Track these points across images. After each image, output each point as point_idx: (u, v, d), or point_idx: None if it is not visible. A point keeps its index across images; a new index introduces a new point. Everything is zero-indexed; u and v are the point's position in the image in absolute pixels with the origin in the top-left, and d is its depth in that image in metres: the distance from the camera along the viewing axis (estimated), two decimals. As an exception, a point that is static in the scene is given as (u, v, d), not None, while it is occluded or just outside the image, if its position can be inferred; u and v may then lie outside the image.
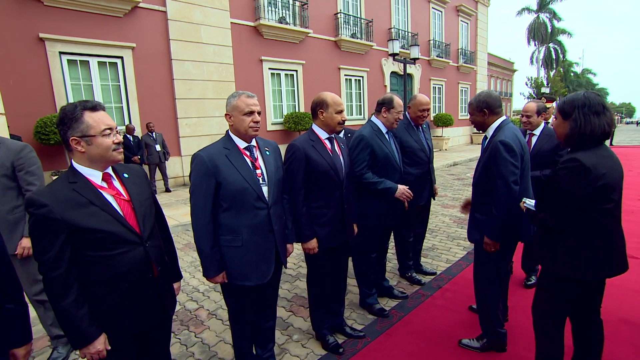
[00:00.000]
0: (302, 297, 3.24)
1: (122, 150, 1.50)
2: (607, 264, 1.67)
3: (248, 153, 1.87)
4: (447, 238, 4.76)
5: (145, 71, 8.31)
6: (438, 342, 2.48)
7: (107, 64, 7.91)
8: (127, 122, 8.19)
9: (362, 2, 13.48)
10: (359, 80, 13.91)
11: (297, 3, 11.24)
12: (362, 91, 14.05)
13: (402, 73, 14.97)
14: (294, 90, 11.66)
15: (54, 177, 4.71)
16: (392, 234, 3.30)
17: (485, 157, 2.17)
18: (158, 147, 8.18)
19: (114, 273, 1.41)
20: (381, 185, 2.63)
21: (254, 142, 1.92)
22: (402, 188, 2.67)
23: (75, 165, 1.43)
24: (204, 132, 9.38)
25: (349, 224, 2.37)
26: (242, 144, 1.87)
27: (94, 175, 1.44)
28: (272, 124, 10.98)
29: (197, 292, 3.45)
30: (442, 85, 18.25)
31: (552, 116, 4.02)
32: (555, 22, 35.40)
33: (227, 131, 1.90)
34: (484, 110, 2.23)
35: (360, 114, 14.07)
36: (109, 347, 1.44)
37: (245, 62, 10.13)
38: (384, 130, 2.76)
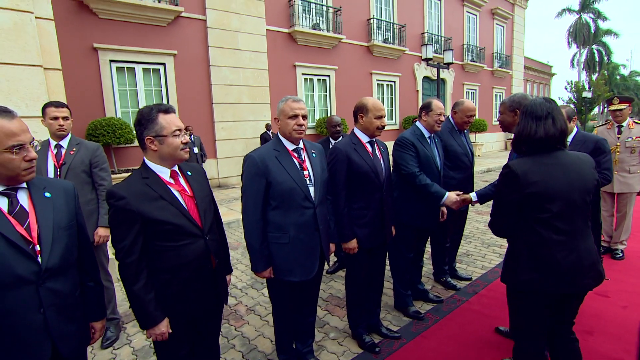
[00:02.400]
0: (337, 297, 3.32)
1: (188, 149, 1.64)
2: (544, 276, 1.58)
3: (296, 155, 1.98)
4: (481, 244, 4.68)
5: (185, 77, 8.74)
6: (475, 346, 2.47)
7: (151, 70, 8.39)
8: (168, 125, 8.62)
9: (395, 7, 13.48)
10: (391, 85, 13.88)
11: (331, 9, 11.42)
12: (394, 96, 14.00)
13: (434, 78, 14.81)
14: (327, 95, 11.81)
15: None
16: (428, 238, 3.31)
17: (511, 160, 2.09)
18: (196, 150, 8.54)
19: (178, 262, 1.55)
20: (432, 188, 2.61)
21: (301, 145, 2.03)
22: (452, 196, 2.57)
23: (148, 162, 1.59)
24: (239, 135, 9.70)
25: (387, 225, 2.43)
26: (290, 146, 1.98)
27: (163, 172, 1.59)
28: (303, 128, 11.15)
29: (235, 289, 3.60)
30: (475, 90, 17.82)
31: (628, 119, 3.85)
32: (599, 22, 33.63)
33: (277, 134, 2.03)
34: (515, 110, 2.21)
35: (392, 119, 14.00)
36: (170, 330, 1.58)
37: (279, 67, 10.39)
38: (426, 134, 2.80)
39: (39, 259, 1.20)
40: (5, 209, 1.18)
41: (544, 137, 1.58)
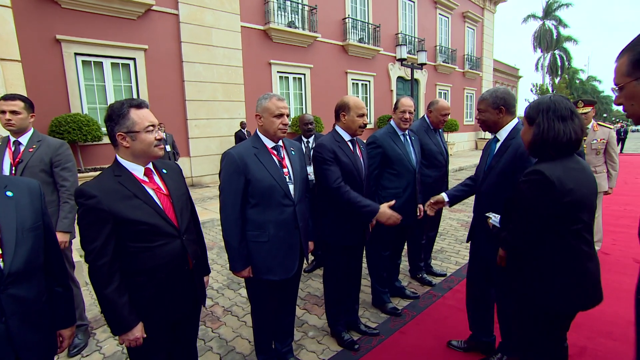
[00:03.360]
0: (315, 295, 3.31)
1: (162, 146, 1.58)
2: (580, 294, 1.45)
3: (275, 152, 1.95)
4: (455, 241, 4.81)
5: (156, 73, 8.45)
6: (449, 339, 2.54)
7: (120, 65, 8.05)
8: (138, 123, 8.30)
9: (370, 8, 13.62)
10: (366, 84, 14.02)
11: (306, 8, 11.38)
12: (368, 95, 14.15)
13: (408, 78, 15.12)
14: (302, 93, 11.78)
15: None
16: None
17: (504, 163, 1.94)
18: (168, 148, 8.26)
19: (153, 264, 1.49)
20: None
21: (280, 142, 2.01)
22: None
23: (120, 159, 1.51)
24: (213, 133, 9.49)
25: (365, 224, 2.44)
26: (269, 144, 1.95)
27: (137, 170, 1.52)
28: (279, 126, 11.07)
29: (211, 290, 3.52)
30: (447, 90, 18.33)
31: (592, 121, 3.97)
32: (561, 29, 35.50)
33: (256, 131, 1.99)
34: (500, 107, 2.00)
35: (367, 118, 14.14)
36: (145, 335, 1.51)
37: (254, 65, 10.25)
38: (399, 132, 2.84)
39: (0, 264, 1.12)
40: (-40, 210, 1.09)
41: (573, 139, 1.44)
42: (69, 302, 1.47)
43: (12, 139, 2.38)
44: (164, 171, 1.65)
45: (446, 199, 2.47)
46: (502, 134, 2.04)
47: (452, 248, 4.54)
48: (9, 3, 3.48)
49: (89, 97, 7.69)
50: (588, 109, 3.88)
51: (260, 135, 1.96)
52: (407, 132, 2.87)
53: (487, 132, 2.26)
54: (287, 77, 11.32)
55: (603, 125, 4.00)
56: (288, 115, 1.92)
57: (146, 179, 1.54)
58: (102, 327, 2.84)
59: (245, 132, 9.44)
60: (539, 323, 1.53)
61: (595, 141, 3.95)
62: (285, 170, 1.95)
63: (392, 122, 2.89)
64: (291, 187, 1.95)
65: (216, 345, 2.59)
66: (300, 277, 2.26)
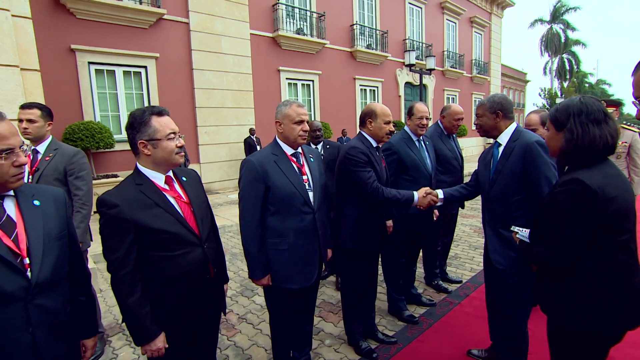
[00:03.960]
0: (330, 303, 3.28)
1: (183, 153, 1.58)
2: (630, 311, 1.31)
3: (295, 159, 1.95)
4: (469, 247, 4.75)
5: (167, 80, 8.55)
6: (469, 348, 2.48)
7: (132, 73, 8.17)
8: (149, 130, 8.39)
9: (378, 14, 13.67)
10: (374, 90, 14.03)
11: (315, 15, 11.46)
12: (376, 101, 14.14)
13: (416, 83, 15.11)
14: (311, 100, 11.82)
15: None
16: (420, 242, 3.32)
17: (512, 164, 1.91)
18: (178, 154, 8.36)
19: (175, 273, 1.48)
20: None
21: (299, 149, 2.00)
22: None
23: (140, 167, 1.51)
24: (223, 140, 9.55)
25: (382, 230, 2.42)
26: (289, 151, 1.94)
27: (158, 178, 1.51)
28: (288, 132, 11.11)
29: (226, 297, 3.50)
30: (455, 95, 18.26)
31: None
32: (569, 32, 35.24)
33: (275, 138, 1.99)
34: (497, 112, 2.02)
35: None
36: (167, 345, 1.50)
37: (263, 72, 10.33)
38: (414, 137, 2.82)
39: (28, 273, 1.12)
40: (-10, 219, 1.09)
41: (610, 143, 1.33)
42: (92, 312, 1.46)
43: (31, 147, 2.41)
44: (184, 179, 1.64)
45: (441, 195, 2.38)
46: (504, 138, 2.03)
47: (466, 254, 4.47)
48: (29, 14, 3.56)
49: (102, 105, 7.81)
50: (611, 110, 3.74)
51: (279, 142, 1.95)
52: (421, 137, 2.85)
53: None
54: (296, 84, 11.37)
55: (627, 128, 3.74)
56: (308, 122, 1.91)
57: (167, 187, 1.53)
58: (118, 334, 2.84)
59: (255, 139, 9.49)
60: (581, 349, 1.38)
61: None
62: (304, 177, 1.94)
63: (406, 128, 2.87)
64: (310, 194, 1.93)
65: (232, 353, 2.56)
66: (318, 285, 2.24)
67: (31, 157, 2.41)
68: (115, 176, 7.29)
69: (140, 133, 1.45)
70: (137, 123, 1.45)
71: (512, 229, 1.69)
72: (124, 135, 8.09)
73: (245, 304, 3.34)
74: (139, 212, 1.41)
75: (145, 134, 1.44)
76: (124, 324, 1.47)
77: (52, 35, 6.88)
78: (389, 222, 2.52)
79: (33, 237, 1.16)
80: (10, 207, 1.16)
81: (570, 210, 1.30)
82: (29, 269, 1.12)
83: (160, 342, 1.46)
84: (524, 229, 1.62)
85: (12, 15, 3.20)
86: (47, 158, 2.37)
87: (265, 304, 2.13)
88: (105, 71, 7.78)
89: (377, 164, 2.27)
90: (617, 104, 3.77)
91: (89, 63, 7.45)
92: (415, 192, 2.26)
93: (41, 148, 2.40)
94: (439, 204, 2.38)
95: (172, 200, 1.52)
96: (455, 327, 2.77)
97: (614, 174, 1.33)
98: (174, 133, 1.49)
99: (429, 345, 2.54)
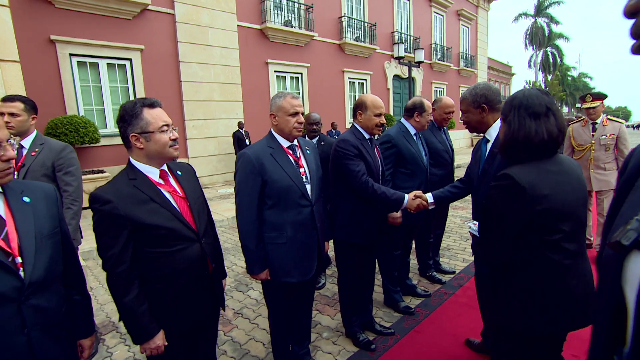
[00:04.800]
0: (326, 296, 3.27)
1: (177, 146, 1.53)
2: (560, 314, 1.28)
3: (291, 152, 1.91)
4: (460, 238, 4.80)
5: (153, 73, 8.34)
6: (466, 337, 2.51)
7: (116, 65, 7.94)
8: (135, 124, 8.19)
9: (366, 6, 13.60)
10: (363, 83, 14.00)
11: (303, 6, 11.32)
12: (365, 94, 14.11)
13: (404, 76, 15.14)
14: (300, 92, 11.72)
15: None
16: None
17: (499, 165, 1.68)
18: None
19: (173, 270, 1.44)
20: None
21: (295, 142, 1.96)
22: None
23: (134, 162, 1.46)
24: (211, 134, 9.41)
25: (379, 222, 2.41)
26: (285, 143, 1.91)
27: (152, 172, 1.46)
28: (277, 126, 11.01)
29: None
30: (443, 88, 18.38)
31: (602, 115, 3.76)
32: (553, 26, 35.79)
33: (270, 130, 1.94)
34: (482, 106, 1.83)
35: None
36: (167, 343, 1.46)
37: (251, 64, 10.18)
38: (412, 131, 2.81)
39: (21, 273, 1.07)
40: (-22, 217, 1.04)
41: (547, 139, 1.27)
42: (88, 310, 1.42)
43: (18, 141, 2.31)
44: (179, 173, 1.60)
45: (431, 199, 2.26)
46: (492, 133, 1.86)
47: (458, 245, 4.52)
48: (6, 2, 3.39)
49: (85, 98, 7.57)
50: (597, 103, 3.73)
51: (275, 134, 1.91)
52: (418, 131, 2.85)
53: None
54: (285, 77, 11.26)
55: (613, 120, 3.79)
56: (303, 114, 1.88)
57: (162, 181, 1.49)
58: (111, 332, 2.78)
59: (244, 132, 9.38)
60: (521, 351, 1.36)
61: (604, 137, 3.76)
62: (301, 170, 1.91)
63: (403, 121, 2.86)
64: (308, 187, 1.91)
65: (230, 348, 2.54)
66: (317, 278, 2.22)
67: (15, 152, 2.31)
68: (102, 172, 7.11)
69: (131, 126, 1.39)
70: (129, 116, 1.40)
71: (467, 222, 1.67)
72: (109, 129, 7.92)
73: (240, 298, 3.31)
74: (134, 207, 1.36)
75: (137, 126, 1.39)
76: (120, 322, 1.42)
77: (29, 25, 6.60)
78: (396, 214, 2.48)
79: (24, 235, 1.11)
80: None
81: (500, 206, 1.29)
82: (21, 269, 1.07)
83: (159, 340, 1.43)
84: (476, 222, 1.58)
85: (-11, 4, 3.05)
86: (33, 153, 2.27)
87: (264, 299, 2.10)
88: (88, 63, 7.54)
89: (370, 156, 2.25)
90: (602, 97, 3.78)
91: (71, 55, 7.20)
92: (406, 195, 2.22)
93: (26, 143, 2.29)
94: (430, 207, 2.29)
95: (168, 195, 1.47)
96: (451, 317, 2.80)
97: (555, 171, 1.28)
98: (167, 125, 1.44)
99: (425, 336, 2.57)
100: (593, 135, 3.85)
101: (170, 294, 1.46)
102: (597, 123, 3.84)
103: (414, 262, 3.77)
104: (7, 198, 1.12)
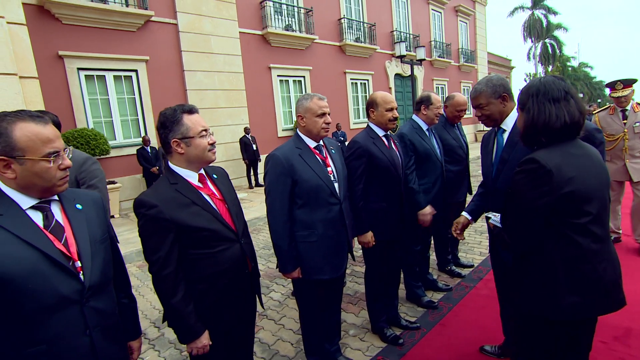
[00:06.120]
0: (348, 294, 3.30)
1: (215, 150, 1.57)
2: (588, 297, 1.27)
3: (318, 152, 1.96)
4: (475, 232, 4.82)
5: (159, 83, 8.43)
6: (492, 329, 2.54)
7: (122, 77, 8.04)
8: (143, 134, 8.29)
9: (364, 7, 13.66)
10: (364, 83, 14.05)
11: (302, 10, 11.40)
12: (367, 94, 14.17)
13: (405, 75, 15.19)
14: (302, 95, 11.77)
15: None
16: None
17: (520, 153, 1.66)
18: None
19: (216, 270, 1.48)
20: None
21: (321, 142, 2.01)
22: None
23: (173, 167, 1.50)
24: (218, 140, 9.37)
25: (404, 218, 2.44)
26: (312, 144, 1.96)
27: (191, 176, 1.51)
28: (282, 130, 11.09)
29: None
30: (444, 85, 18.39)
31: (632, 102, 3.57)
32: (550, 17, 35.70)
33: (297, 131, 1.99)
34: (502, 95, 1.81)
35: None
36: (211, 342, 1.50)
37: (254, 70, 10.26)
38: (424, 127, 2.85)
39: (81, 276, 1.11)
40: (40, 224, 1.08)
41: (569, 123, 1.28)
42: (135, 313, 1.46)
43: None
44: (215, 176, 1.64)
45: (469, 217, 2.18)
46: (508, 123, 1.84)
47: (473, 239, 4.54)
48: (24, 20, 3.47)
49: (94, 111, 7.67)
50: (628, 90, 3.50)
51: (302, 135, 1.96)
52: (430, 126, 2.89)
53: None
54: (287, 80, 11.33)
55: None
56: (329, 114, 1.92)
57: (201, 185, 1.54)
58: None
59: (250, 138, 9.45)
60: (550, 338, 1.35)
61: (638, 124, 3.51)
62: (329, 169, 1.95)
63: (415, 117, 2.89)
64: (336, 185, 1.95)
65: (259, 349, 2.58)
66: (344, 275, 2.26)
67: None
68: (113, 182, 7.19)
69: (172, 132, 1.44)
70: (169, 122, 1.45)
71: (485, 214, 1.62)
72: (118, 141, 8.02)
73: (263, 300, 3.34)
74: (177, 211, 1.41)
75: (178, 132, 1.44)
76: (163, 323, 1.46)
77: (39, 41, 6.68)
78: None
79: (81, 240, 1.15)
80: (56, 211, 1.15)
81: (526, 190, 1.27)
82: (80, 272, 1.12)
83: (205, 339, 1.47)
84: (496, 214, 1.57)
85: (7, 23, 3.13)
86: None
87: (287, 299, 2.14)
88: (95, 76, 7.64)
89: (384, 154, 2.27)
90: (632, 82, 3.53)
91: (78, 69, 7.31)
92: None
93: None
94: (472, 223, 2.20)
95: (207, 198, 1.52)
96: (475, 309, 2.83)
97: (579, 154, 1.29)
98: (205, 130, 1.50)
99: (452, 328, 2.59)
100: (625, 124, 3.61)
101: (214, 294, 1.50)
102: (627, 110, 3.60)
103: (432, 257, 3.79)
104: (64, 205, 1.17)
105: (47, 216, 1.11)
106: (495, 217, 1.56)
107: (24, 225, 1.04)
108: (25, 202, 1.07)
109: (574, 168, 1.24)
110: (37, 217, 1.09)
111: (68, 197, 1.21)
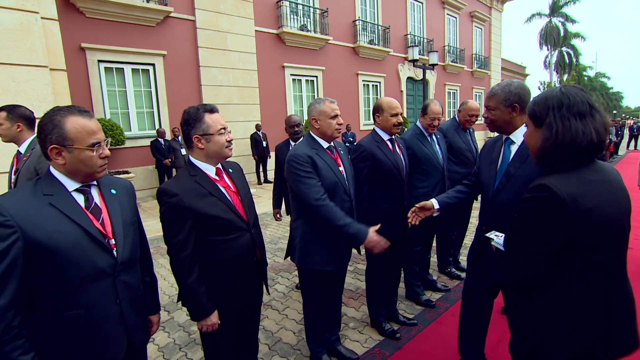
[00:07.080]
0: (349, 289, 3.43)
1: (232, 147, 1.72)
2: (603, 341, 1.12)
3: (330, 152, 2.09)
4: (477, 238, 4.90)
5: (175, 78, 8.65)
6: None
7: (140, 70, 8.27)
8: (157, 127, 8.52)
9: (380, 9, 13.75)
10: (376, 85, 14.14)
11: (318, 11, 11.54)
12: (379, 96, 14.26)
13: (418, 78, 15.21)
14: (315, 95, 11.92)
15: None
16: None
17: (530, 170, 1.59)
18: (184, 151, 8.48)
19: (228, 255, 1.63)
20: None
21: (332, 143, 2.14)
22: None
23: (194, 160, 1.66)
24: (229, 136, 9.66)
25: (407, 220, 2.56)
26: (324, 144, 2.09)
27: (209, 170, 1.66)
28: (292, 128, 11.23)
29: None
30: (456, 90, 18.38)
31: None
32: (568, 25, 35.27)
33: (309, 133, 2.13)
34: (514, 105, 1.69)
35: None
36: (219, 322, 1.65)
37: (268, 68, 10.43)
38: (426, 132, 2.96)
39: (114, 253, 1.27)
40: (82, 205, 1.24)
41: (596, 142, 1.10)
42: (155, 291, 1.62)
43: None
44: (230, 170, 1.79)
45: (436, 206, 2.11)
46: (518, 136, 1.71)
47: (475, 244, 4.63)
48: (56, 16, 3.67)
49: (111, 102, 7.92)
50: None
51: (315, 137, 2.09)
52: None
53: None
54: (300, 80, 11.48)
55: None
56: (340, 116, 2.06)
57: (217, 177, 1.68)
58: (152, 320, 2.99)
59: (261, 134, 9.62)
60: None
61: None
62: (340, 168, 2.09)
63: (418, 123, 3.01)
64: (347, 183, 2.09)
65: (263, 336, 2.72)
66: (347, 267, 2.39)
67: (17, 158, 2.39)
68: (127, 172, 7.42)
69: (195, 129, 1.60)
70: (192, 119, 1.60)
71: (487, 234, 1.47)
72: (133, 132, 8.25)
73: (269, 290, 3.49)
74: (196, 200, 1.56)
75: (199, 129, 1.59)
76: (178, 302, 1.59)
77: (64, 34, 6.93)
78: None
79: (115, 221, 1.31)
80: (95, 195, 1.31)
81: (534, 221, 1.12)
82: (114, 249, 1.27)
83: (215, 318, 1.62)
84: (500, 234, 1.40)
85: (41, 18, 3.32)
86: (25, 158, 2.30)
87: (291, 291, 2.27)
88: (114, 69, 7.88)
89: (388, 158, 2.38)
90: None
91: (99, 61, 7.55)
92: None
93: (22, 148, 2.37)
94: (435, 214, 2.15)
95: (223, 190, 1.67)
96: (471, 310, 2.93)
97: (598, 180, 1.11)
98: (224, 128, 1.65)
99: (447, 326, 2.71)
100: None
101: (226, 277, 1.65)
102: None
103: (433, 259, 3.90)
104: (101, 190, 1.33)
105: (88, 198, 1.27)
106: (498, 239, 1.39)
107: (70, 205, 1.20)
108: (71, 185, 1.23)
109: (592, 197, 1.07)
110: (80, 199, 1.25)
111: (105, 183, 1.37)
